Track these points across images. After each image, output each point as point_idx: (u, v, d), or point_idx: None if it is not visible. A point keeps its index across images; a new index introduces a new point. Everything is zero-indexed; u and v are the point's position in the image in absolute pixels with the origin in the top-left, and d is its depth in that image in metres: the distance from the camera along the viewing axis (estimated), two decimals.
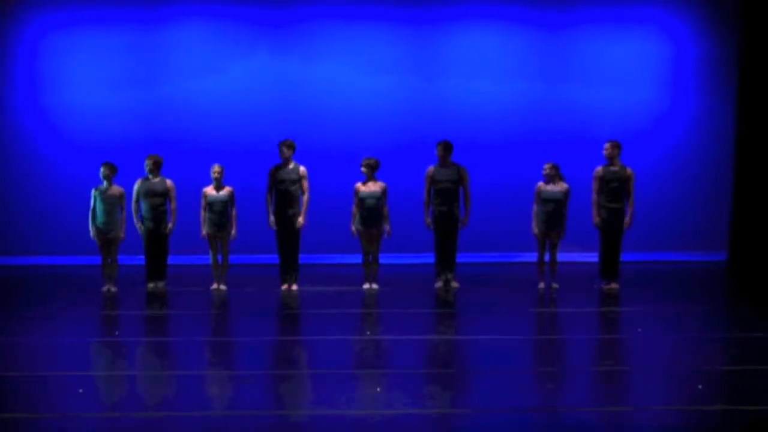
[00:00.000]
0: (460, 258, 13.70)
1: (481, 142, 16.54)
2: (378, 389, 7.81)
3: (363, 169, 13.05)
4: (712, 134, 16.89)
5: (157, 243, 13.10)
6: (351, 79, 16.52)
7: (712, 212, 16.77)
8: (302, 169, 13.14)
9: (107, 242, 12.96)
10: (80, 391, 7.77)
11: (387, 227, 13.08)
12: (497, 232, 16.19)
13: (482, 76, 16.63)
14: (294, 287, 13.17)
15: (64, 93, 16.37)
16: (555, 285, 13.11)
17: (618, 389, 7.82)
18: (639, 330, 10.23)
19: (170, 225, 13.10)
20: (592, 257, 13.93)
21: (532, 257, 13.92)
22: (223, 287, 13.12)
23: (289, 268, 13.20)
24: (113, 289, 12.92)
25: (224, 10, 16.50)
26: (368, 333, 10.36)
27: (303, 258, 13.45)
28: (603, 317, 11.28)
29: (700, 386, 7.76)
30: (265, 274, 14.24)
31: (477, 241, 15.72)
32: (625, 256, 16.22)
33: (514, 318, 11.43)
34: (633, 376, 8.25)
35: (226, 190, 13.03)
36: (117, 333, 10.50)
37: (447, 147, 13.30)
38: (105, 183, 12.93)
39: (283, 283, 13.23)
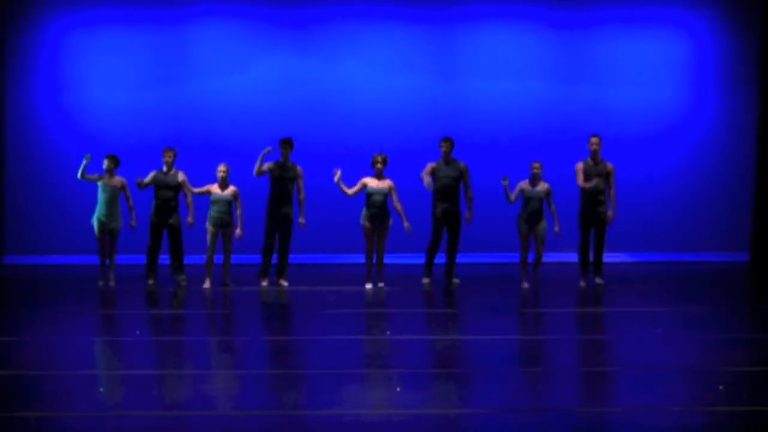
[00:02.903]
0: (489, 258, 13.69)
1: (500, 142, 16.53)
2: (385, 390, 7.80)
3: (379, 165, 13.02)
4: (734, 134, 16.82)
5: (165, 236, 13.31)
6: (369, 79, 16.53)
7: (734, 212, 16.70)
8: (299, 168, 13.38)
9: (109, 233, 13.11)
10: (100, 390, 7.81)
11: (406, 223, 13.07)
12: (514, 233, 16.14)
13: (501, 76, 16.61)
14: (284, 283, 13.33)
15: (86, 93, 16.43)
16: (526, 285, 13.05)
17: (638, 389, 7.79)
18: (659, 330, 10.19)
19: (189, 219, 13.33)
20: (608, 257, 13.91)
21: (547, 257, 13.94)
22: (230, 285, 13.20)
23: (271, 264, 13.44)
24: (111, 283, 13.12)
25: (244, 10, 16.53)
26: (385, 333, 10.36)
27: (318, 258, 13.48)
28: (622, 317, 11.23)
29: (721, 387, 7.73)
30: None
31: (495, 242, 15.72)
32: (645, 257, 16.20)
33: (527, 318, 11.43)
34: (653, 376, 8.22)
35: (230, 190, 13.12)
36: (138, 332, 10.55)
37: (452, 144, 13.39)
38: (107, 174, 13.06)
39: (264, 278, 13.44)
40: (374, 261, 13.14)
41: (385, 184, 13.03)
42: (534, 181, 13.14)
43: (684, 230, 16.69)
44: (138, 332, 10.49)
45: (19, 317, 11.25)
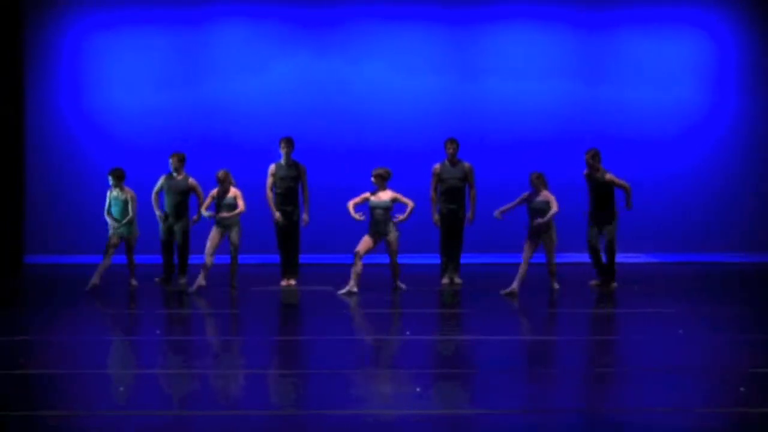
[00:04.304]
0: (503, 258, 13.63)
1: (520, 142, 16.49)
2: (401, 389, 7.80)
3: (373, 180, 12.71)
4: (755, 134, 16.75)
5: (174, 239, 13.47)
6: (388, 79, 16.52)
7: (756, 213, 16.63)
8: (301, 167, 13.39)
9: (126, 241, 13.28)
10: (121, 389, 7.83)
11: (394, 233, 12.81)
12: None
13: (522, 77, 16.57)
14: (293, 282, 13.36)
15: (107, 93, 16.49)
16: (556, 286, 12.86)
17: (658, 390, 7.77)
18: (680, 331, 10.16)
19: (195, 217, 13.42)
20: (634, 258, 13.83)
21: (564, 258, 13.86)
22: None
23: (288, 264, 13.41)
24: (134, 282, 13.31)
25: (265, 10, 16.56)
26: (405, 333, 10.36)
27: (332, 258, 13.49)
28: (643, 318, 11.20)
29: (742, 388, 7.69)
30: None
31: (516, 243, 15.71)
32: (666, 257, 16.14)
33: (542, 319, 11.40)
34: (673, 377, 8.19)
35: (232, 193, 12.92)
36: (158, 332, 10.58)
37: (457, 145, 13.47)
38: (116, 188, 13.21)
39: (282, 279, 13.45)
40: (389, 262, 12.98)
41: (387, 196, 12.67)
42: (533, 193, 12.64)
43: (705, 231, 16.61)
44: (158, 332, 10.53)
45: (39, 317, 11.30)
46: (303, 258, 13.96)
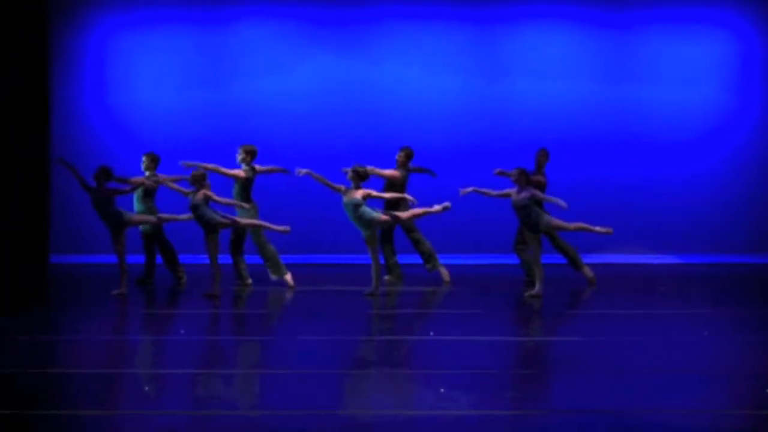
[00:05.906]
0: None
1: (542, 143, 16.41)
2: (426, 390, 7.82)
3: (349, 176, 12.39)
4: None
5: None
6: (412, 80, 16.53)
7: None
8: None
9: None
10: (146, 389, 7.89)
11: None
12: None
13: (546, 77, 16.55)
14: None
15: (131, 92, 16.58)
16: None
17: (682, 392, 7.76)
18: (705, 333, 10.13)
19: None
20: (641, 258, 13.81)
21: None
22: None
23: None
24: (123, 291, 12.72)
25: (288, 11, 16.61)
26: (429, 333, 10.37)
27: (341, 258, 13.56)
28: (666, 319, 11.18)
29: (767, 390, 7.68)
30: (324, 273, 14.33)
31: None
32: (687, 259, 16.09)
33: (561, 319, 11.40)
34: (697, 379, 8.18)
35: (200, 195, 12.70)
36: (182, 331, 10.63)
37: (409, 154, 13.50)
38: (97, 184, 13.19)
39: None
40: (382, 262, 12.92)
41: (357, 194, 12.24)
42: (517, 190, 12.23)
43: (728, 232, 16.55)
44: (182, 331, 10.59)
45: (66, 316, 11.36)
46: (314, 258, 14.00)
